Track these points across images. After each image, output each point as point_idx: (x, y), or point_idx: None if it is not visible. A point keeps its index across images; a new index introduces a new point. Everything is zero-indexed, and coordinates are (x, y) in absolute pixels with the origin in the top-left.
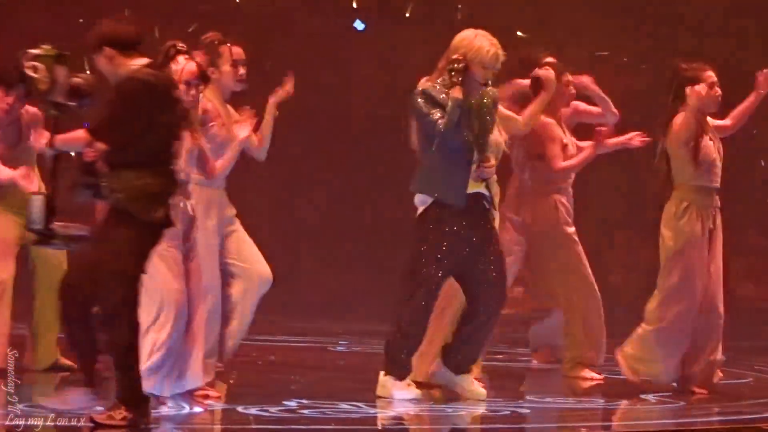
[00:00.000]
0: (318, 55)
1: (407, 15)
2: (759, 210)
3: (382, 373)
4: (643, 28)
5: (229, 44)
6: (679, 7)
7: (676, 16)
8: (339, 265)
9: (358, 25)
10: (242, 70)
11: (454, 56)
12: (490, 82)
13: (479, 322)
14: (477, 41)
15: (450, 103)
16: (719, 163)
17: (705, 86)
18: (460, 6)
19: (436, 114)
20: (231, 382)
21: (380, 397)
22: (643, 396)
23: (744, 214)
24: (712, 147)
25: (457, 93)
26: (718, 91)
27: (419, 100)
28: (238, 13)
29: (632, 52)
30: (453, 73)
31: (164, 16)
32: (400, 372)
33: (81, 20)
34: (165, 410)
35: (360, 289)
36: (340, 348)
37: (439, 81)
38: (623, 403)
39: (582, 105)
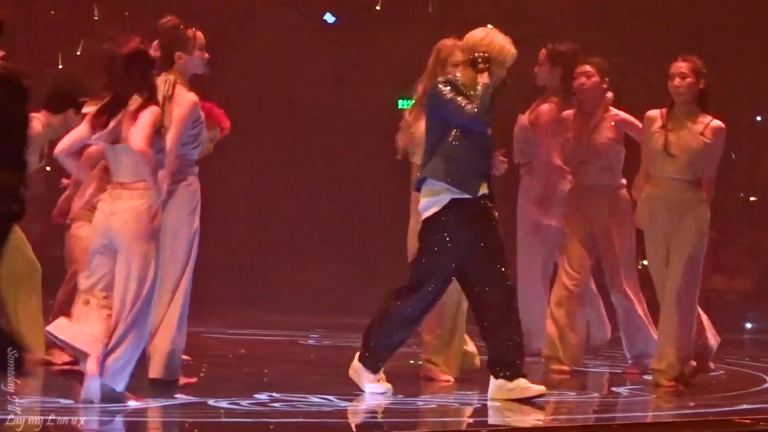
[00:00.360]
0: (288, 48)
1: (378, 8)
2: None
3: (357, 356)
4: (618, 20)
5: (192, 29)
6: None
7: (650, 9)
8: (310, 259)
9: (329, 18)
10: (206, 54)
11: (477, 53)
12: (509, 82)
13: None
14: (497, 40)
15: (480, 89)
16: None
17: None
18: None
19: (463, 100)
20: (201, 375)
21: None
22: (614, 389)
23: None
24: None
25: (485, 78)
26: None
27: (444, 87)
28: (206, 4)
29: (606, 45)
30: (480, 64)
31: (136, 7)
32: (374, 364)
33: None
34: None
35: (331, 283)
36: (311, 341)
37: (458, 75)
38: (595, 396)
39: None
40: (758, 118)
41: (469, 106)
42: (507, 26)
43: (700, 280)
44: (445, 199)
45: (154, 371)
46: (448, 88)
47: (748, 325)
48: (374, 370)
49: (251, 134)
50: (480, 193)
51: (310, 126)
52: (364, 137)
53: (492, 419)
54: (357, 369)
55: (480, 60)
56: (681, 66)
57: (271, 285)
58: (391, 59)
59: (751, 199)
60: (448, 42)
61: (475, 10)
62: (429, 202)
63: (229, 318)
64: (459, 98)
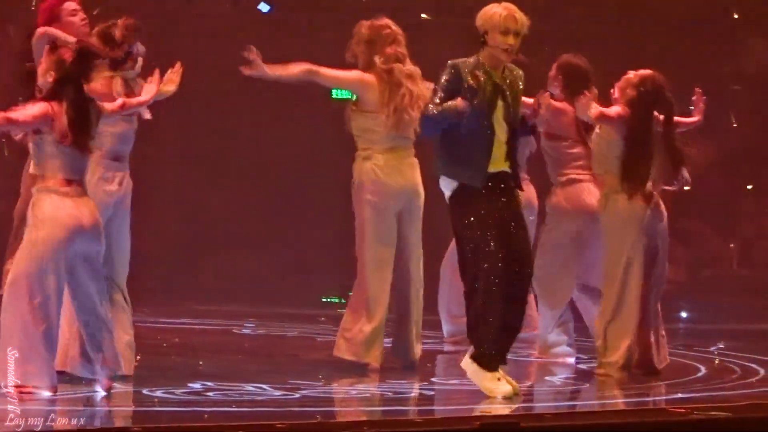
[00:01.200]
0: (222, 37)
1: None
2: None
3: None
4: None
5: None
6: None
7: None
8: (245, 248)
9: (263, 7)
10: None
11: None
12: (517, 54)
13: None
14: (490, 9)
15: (450, 104)
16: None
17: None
18: None
19: (436, 99)
20: (136, 364)
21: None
22: (548, 378)
23: None
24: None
25: (461, 103)
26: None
27: (442, 77)
28: None
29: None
30: (481, 38)
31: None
32: (488, 363)
33: None
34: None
35: (266, 272)
36: (245, 331)
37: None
38: (527, 385)
39: None
40: (691, 108)
41: (430, 107)
42: (437, 15)
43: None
44: (454, 183)
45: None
46: (443, 78)
47: (683, 314)
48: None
49: (183, 123)
50: (497, 170)
51: (243, 115)
52: (297, 126)
53: (427, 407)
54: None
55: (482, 34)
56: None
57: (207, 274)
58: (327, 48)
59: (686, 188)
60: (366, 23)
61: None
62: (446, 187)
63: (162, 307)
64: (439, 95)
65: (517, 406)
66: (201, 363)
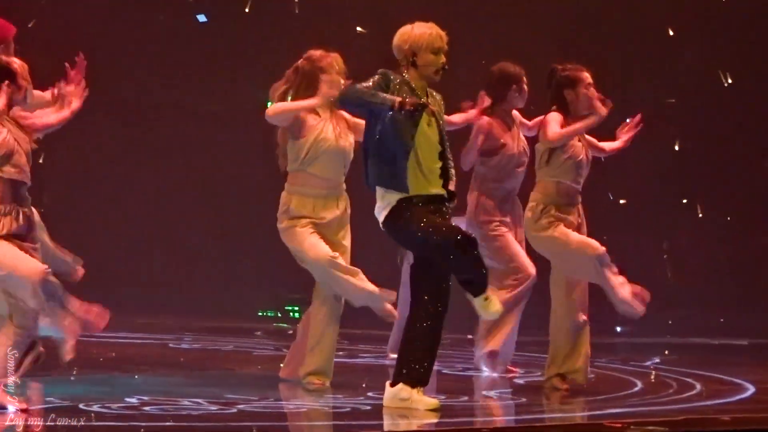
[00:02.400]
0: (161, 47)
1: (246, 10)
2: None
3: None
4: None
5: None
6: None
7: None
8: (182, 260)
9: (201, 17)
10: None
11: (404, 50)
12: (445, 68)
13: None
14: (414, 30)
15: (387, 96)
16: (585, 166)
17: (582, 88)
18: (297, 1)
19: (367, 83)
20: (72, 378)
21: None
22: (485, 393)
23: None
24: (580, 148)
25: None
26: (595, 92)
27: (371, 78)
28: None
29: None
30: (411, 58)
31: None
32: (415, 378)
33: None
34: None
35: (202, 285)
36: (183, 345)
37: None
38: (463, 399)
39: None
40: (627, 120)
41: (361, 85)
42: (373, 27)
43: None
44: (392, 200)
45: None
46: (373, 79)
47: (618, 329)
48: None
49: (118, 134)
50: (434, 193)
51: (179, 125)
52: (236, 134)
53: (362, 422)
54: None
55: (410, 55)
56: (589, 76)
57: (143, 288)
58: (260, 60)
59: (621, 201)
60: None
61: (341, 13)
62: (379, 207)
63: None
64: (368, 83)
65: (457, 420)
66: (137, 377)
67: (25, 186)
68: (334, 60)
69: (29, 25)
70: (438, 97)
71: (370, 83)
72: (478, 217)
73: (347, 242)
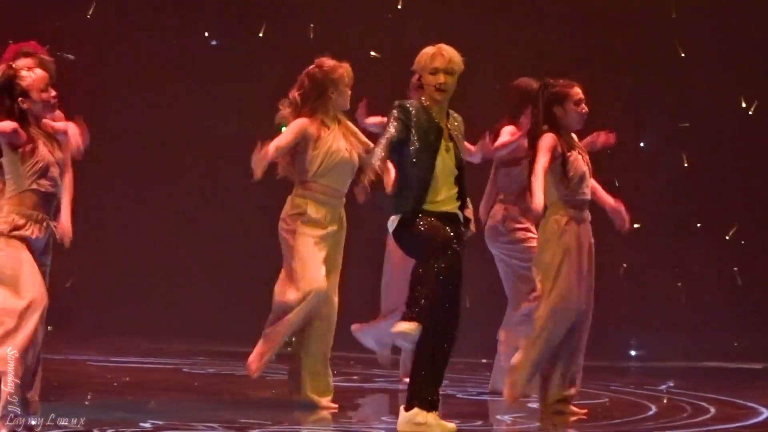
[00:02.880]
0: (169, 71)
1: (261, 35)
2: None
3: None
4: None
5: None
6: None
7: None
8: (193, 284)
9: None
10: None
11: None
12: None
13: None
14: (423, 52)
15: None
16: (589, 176)
17: (570, 104)
18: (312, 25)
19: (390, 126)
20: (86, 404)
21: None
22: (499, 417)
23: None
24: (581, 161)
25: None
26: (585, 108)
27: (392, 113)
28: (85, 29)
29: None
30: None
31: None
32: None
33: None
34: None
35: (214, 309)
36: (196, 369)
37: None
38: (477, 424)
39: None
40: (642, 144)
41: (392, 130)
42: (387, 52)
43: None
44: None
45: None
46: (390, 125)
47: (632, 353)
48: None
49: (127, 157)
50: (446, 210)
51: (189, 148)
52: (239, 159)
53: None
54: None
55: (417, 78)
56: (580, 92)
57: (155, 312)
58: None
59: (635, 226)
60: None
61: (357, 36)
62: (392, 220)
63: (111, 345)
64: (392, 123)
65: None
66: (151, 402)
67: (57, 198)
68: (345, 72)
69: (44, 48)
70: (459, 119)
71: (392, 126)
72: (507, 226)
73: (340, 260)
